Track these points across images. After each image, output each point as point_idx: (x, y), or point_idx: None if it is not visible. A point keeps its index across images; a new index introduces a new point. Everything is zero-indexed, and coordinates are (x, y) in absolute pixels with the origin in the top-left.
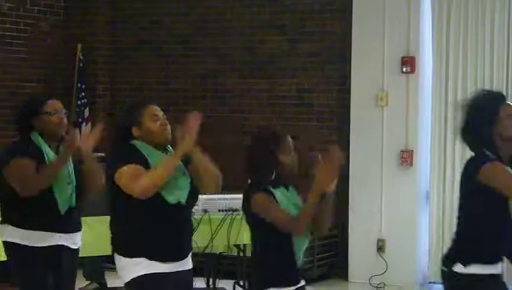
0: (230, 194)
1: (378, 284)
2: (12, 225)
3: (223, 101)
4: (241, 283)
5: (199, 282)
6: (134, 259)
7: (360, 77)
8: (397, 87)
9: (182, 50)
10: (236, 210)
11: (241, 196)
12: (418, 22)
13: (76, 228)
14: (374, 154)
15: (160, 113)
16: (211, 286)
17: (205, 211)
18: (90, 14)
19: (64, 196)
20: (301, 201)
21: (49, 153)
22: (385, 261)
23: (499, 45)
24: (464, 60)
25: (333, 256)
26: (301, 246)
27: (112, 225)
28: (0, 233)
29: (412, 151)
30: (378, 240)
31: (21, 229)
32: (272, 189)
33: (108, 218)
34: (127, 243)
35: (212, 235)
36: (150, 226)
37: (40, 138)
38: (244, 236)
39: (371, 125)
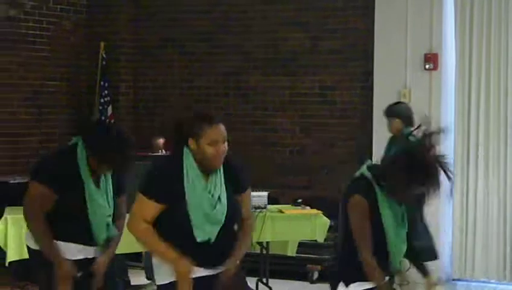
0: (253, 191)
1: (402, 281)
2: None
3: (246, 99)
4: (264, 280)
5: None
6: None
7: (382, 73)
8: (420, 84)
9: (205, 48)
10: (259, 207)
11: (263, 193)
12: (440, 19)
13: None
14: None
15: (222, 139)
16: None
17: None
18: (113, 12)
19: (101, 229)
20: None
21: (88, 181)
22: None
23: None
24: (487, 56)
25: None
26: (398, 254)
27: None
28: (27, 240)
29: None
30: None
31: (55, 241)
32: (381, 195)
33: None
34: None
35: None
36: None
37: (85, 159)
38: (267, 234)
39: None
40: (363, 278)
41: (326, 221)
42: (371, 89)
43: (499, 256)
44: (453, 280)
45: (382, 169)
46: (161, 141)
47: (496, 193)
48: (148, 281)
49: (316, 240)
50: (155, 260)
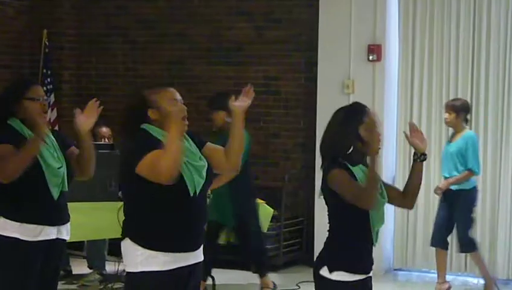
0: None
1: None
2: (4, 217)
3: (190, 88)
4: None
5: None
6: (147, 251)
7: (326, 64)
8: (363, 75)
9: (149, 36)
10: None
11: None
12: (384, 10)
13: (68, 217)
14: None
15: (179, 98)
16: None
17: None
18: None
19: (56, 181)
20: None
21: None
22: None
23: (465, 32)
24: (430, 48)
25: (299, 243)
26: (376, 226)
27: (127, 211)
28: None
29: None
30: None
31: (15, 222)
32: (349, 166)
33: (73, 205)
34: (142, 232)
35: None
36: (167, 216)
37: (21, 124)
38: None
39: None
40: (348, 269)
41: (270, 211)
42: (314, 79)
43: None
44: (394, 269)
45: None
46: (103, 129)
47: (437, 183)
48: (90, 271)
49: None
50: (124, 248)
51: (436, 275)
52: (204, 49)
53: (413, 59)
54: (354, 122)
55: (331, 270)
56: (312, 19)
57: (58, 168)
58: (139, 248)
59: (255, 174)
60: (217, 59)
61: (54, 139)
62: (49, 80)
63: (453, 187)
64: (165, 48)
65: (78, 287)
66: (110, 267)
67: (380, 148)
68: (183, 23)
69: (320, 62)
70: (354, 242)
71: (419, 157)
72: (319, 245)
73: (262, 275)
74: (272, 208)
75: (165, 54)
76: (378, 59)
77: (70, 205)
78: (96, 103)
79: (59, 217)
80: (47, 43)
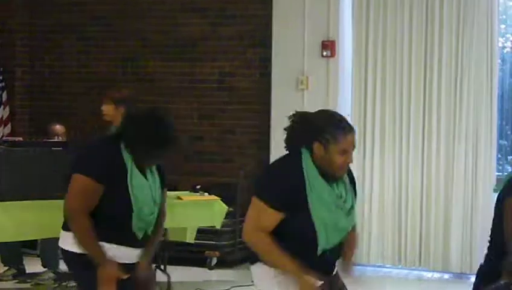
0: None
1: None
2: None
3: (144, 85)
4: (162, 267)
5: None
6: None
7: (281, 60)
8: (317, 71)
9: (103, 32)
10: None
11: None
12: (338, 6)
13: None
14: None
15: (351, 150)
16: None
17: None
18: None
19: (141, 225)
20: None
21: (134, 173)
22: None
23: (418, 28)
24: (384, 44)
25: None
26: None
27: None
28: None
29: None
30: None
31: (102, 243)
32: None
33: (27, 203)
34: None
35: None
36: (296, 245)
37: (128, 155)
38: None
39: (292, 109)
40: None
41: (224, 207)
42: (269, 75)
43: (394, 241)
44: None
45: None
46: (57, 127)
47: (391, 180)
48: (44, 269)
49: (214, 226)
50: (256, 273)
51: (390, 270)
52: (159, 45)
53: (366, 55)
54: None
55: None
56: (266, 15)
57: (150, 215)
58: (273, 270)
59: (209, 171)
60: (171, 55)
61: (158, 178)
62: (1, 77)
63: None
64: (119, 44)
65: (32, 286)
66: (64, 266)
67: None
68: (137, 19)
69: (274, 58)
70: None
71: None
72: None
73: None
74: (227, 204)
75: (119, 51)
76: (332, 55)
77: (20, 203)
78: None
79: (138, 240)
80: None
